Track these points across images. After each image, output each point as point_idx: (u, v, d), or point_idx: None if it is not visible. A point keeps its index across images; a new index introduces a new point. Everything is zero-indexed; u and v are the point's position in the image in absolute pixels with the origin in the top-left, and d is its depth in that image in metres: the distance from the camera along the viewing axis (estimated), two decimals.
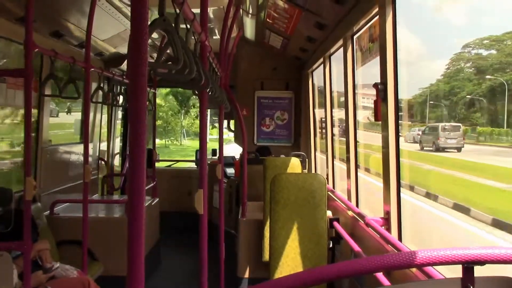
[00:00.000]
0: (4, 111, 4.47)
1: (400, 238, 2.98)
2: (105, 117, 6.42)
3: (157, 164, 6.75)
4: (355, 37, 4.01)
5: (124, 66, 5.88)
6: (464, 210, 6.13)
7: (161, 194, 6.07)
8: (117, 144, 7.17)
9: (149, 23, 1.37)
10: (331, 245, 3.96)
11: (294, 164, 4.95)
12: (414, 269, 2.44)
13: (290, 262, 3.90)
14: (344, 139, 4.46)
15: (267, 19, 5.61)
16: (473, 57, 9.32)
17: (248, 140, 6.70)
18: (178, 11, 1.78)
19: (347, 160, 4.25)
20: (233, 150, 8.44)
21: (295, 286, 0.98)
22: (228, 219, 5.73)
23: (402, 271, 2.53)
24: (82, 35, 4.19)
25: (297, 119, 7.44)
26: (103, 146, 6.50)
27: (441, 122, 9.68)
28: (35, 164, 4.43)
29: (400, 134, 3.08)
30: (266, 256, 4.31)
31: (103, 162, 6.49)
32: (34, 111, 4.37)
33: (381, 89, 2.96)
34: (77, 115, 6.12)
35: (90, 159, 4.26)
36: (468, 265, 0.97)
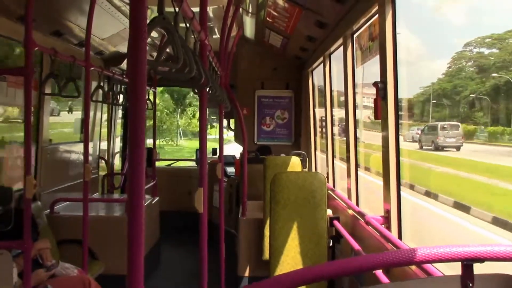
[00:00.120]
0: (9, 109, 4.48)
1: (400, 237, 2.98)
2: (105, 116, 6.43)
3: (157, 163, 6.75)
4: (355, 35, 4.01)
5: (124, 65, 5.88)
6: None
7: (161, 193, 6.07)
8: (118, 143, 7.18)
9: (148, 21, 1.37)
10: (331, 244, 3.97)
11: (295, 163, 4.95)
12: (413, 267, 2.44)
13: (290, 261, 3.91)
14: (344, 138, 4.46)
15: (267, 18, 5.60)
16: (475, 56, 9.31)
17: (249, 139, 6.70)
18: (177, 9, 1.78)
19: (347, 159, 4.25)
20: (232, 151, 8.43)
21: (295, 284, 0.98)
22: (228, 219, 5.73)
23: (401, 269, 2.53)
24: (82, 34, 4.20)
25: (297, 118, 7.44)
26: (104, 145, 6.51)
27: (445, 121, 9.66)
28: (36, 163, 4.43)
29: (400, 133, 3.08)
30: (266, 255, 4.32)
31: (103, 161, 6.50)
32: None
33: (381, 87, 2.96)
34: (77, 114, 6.12)
35: (90, 158, 4.27)
36: (468, 263, 0.97)
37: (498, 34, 8.99)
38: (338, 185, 5.30)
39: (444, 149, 9.16)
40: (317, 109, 6.71)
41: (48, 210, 4.53)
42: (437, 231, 6.36)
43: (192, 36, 2.12)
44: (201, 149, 2.50)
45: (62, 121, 6.53)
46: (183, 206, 6.74)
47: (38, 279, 3.15)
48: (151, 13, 3.77)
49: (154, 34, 5.31)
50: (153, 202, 5.71)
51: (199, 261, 2.38)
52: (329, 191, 4.34)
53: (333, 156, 5.44)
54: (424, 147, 9.80)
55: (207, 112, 3.07)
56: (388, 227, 3.02)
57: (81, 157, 4.99)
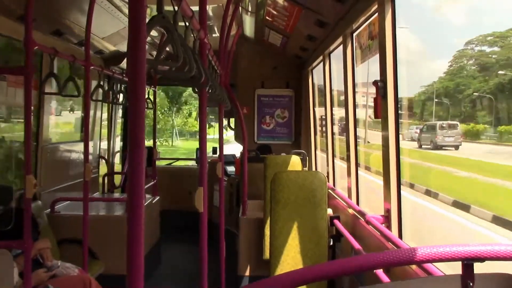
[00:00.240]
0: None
1: (400, 236, 2.98)
2: (105, 115, 6.42)
3: (158, 163, 6.75)
4: (354, 34, 4.01)
5: (124, 64, 5.88)
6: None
7: (161, 193, 6.07)
8: (118, 142, 7.18)
9: (147, 20, 1.37)
10: (331, 243, 3.96)
11: (295, 162, 4.95)
12: (414, 266, 2.44)
13: (291, 260, 3.91)
14: (344, 137, 4.46)
15: (267, 17, 5.60)
16: (476, 54, 9.27)
17: (249, 139, 6.70)
18: (176, 8, 1.78)
19: (347, 158, 4.25)
20: (231, 152, 8.41)
21: (295, 283, 0.97)
22: (228, 218, 5.73)
23: (402, 268, 2.53)
24: (81, 33, 4.19)
25: (297, 117, 7.44)
26: (104, 144, 6.50)
27: (448, 120, 9.65)
28: (36, 162, 4.43)
29: (400, 132, 3.08)
30: (267, 254, 4.32)
31: (103, 161, 6.50)
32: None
33: (380, 86, 2.96)
34: (78, 114, 6.12)
35: (90, 157, 4.26)
36: (468, 262, 0.97)
37: (500, 32, 8.95)
38: (339, 184, 5.29)
39: (443, 148, 9.17)
40: (317, 108, 6.71)
41: (49, 210, 4.53)
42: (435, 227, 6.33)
43: (192, 35, 2.12)
44: (201, 149, 2.50)
45: (64, 120, 6.53)
46: (183, 205, 6.73)
47: (38, 279, 3.15)
48: (151, 12, 3.77)
49: (153, 33, 5.31)
50: (153, 202, 5.71)
51: (199, 261, 2.38)
52: (329, 190, 4.34)
53: (333, 155, 5.44)
54: (423, 146, 9.82)
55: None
56: (389, 226, 3.02)
57: (82, 156, 4.98)
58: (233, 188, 6.09)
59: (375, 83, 3.00)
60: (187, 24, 2.00)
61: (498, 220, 5.54)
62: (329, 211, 4.16)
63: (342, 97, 4.49)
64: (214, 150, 7.88)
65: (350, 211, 3.99)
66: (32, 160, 3.93)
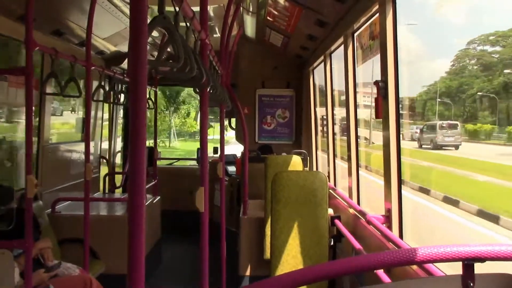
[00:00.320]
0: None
1: (401, 236, 2.98)
2: (106, 115, 6.43)
3: (159, 163, 6.75)
4: (355, 34, 4.01)
5: (125, 64, 5.88)
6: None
7: (162, 193, 6.07)
8: (119, 142, 7.18)
9: (149, 21, 1.37)
10: (332, 243, 3.96)
11: (296, 162, 4.95)
12: (414, 267, 2.44)
13: (291, 260, 3.91)
14: (345, 137, 4.46)
15: (268, 17, 5.60)
16: (478, 53, 9.24)
17: (250, 139, 6.70)
18: (177, 9, 1.78)
19: (348, 158, 4.25)
20: (231, 152, 8.39)
21: (296, 283, 0.98)
22: (229, 218, 5.73)
23: (402, 269, 2.53)
24: (82, 33, 4.20)
25: (298, 117, 7.45)
26: (105, 144, 6.51)
27: (451, 120, 9.63)
28: (37, 162, 4.44)
29: (401, 132, 3.08)
30: (268, 254, 4.32)
31: (104, 161, 6.50)
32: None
33: (381, 86, 2.96)
34: (80, 114, 6.13)
35: (91, 157, 4.26)
36: (468, 262, 0.97)
37: (502, 31, 8.93)
38: (339, 184, 5.29)
39: (443, 147, 9.16)
40: (318, 108, 6.71)
41: (50, 210, 4.53)
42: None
43: (193, 36, 2.12)
44: (202, 149, 2.50)
45: (64, 120, 6.54)
46: (184, 205, 6.73)
47: (39, 278, 3.15)
48: (152, 12, 3.77)
49: (154, 33, 5.31)
50: (154, 202, 5.71)
51: (200, 260, 2.38)
52: (330, 190, 4.34)
53: (334, 155, 5.44)
54: (423, 146, 9.82)
55: None
56: (389, 226, 3.02)
57: (82, 156, 4.99)
58: (234, 188, 6.09)
59: (376, 83, 3.00)
60: (188, 24, 2.00)
61: None
62: (330, 211, 4.16)
63: (343, 97, 4.49)
64: (215, 150, 7.89)
65: (351, 211, 3.99)
66: (33, 160, 3.93)
